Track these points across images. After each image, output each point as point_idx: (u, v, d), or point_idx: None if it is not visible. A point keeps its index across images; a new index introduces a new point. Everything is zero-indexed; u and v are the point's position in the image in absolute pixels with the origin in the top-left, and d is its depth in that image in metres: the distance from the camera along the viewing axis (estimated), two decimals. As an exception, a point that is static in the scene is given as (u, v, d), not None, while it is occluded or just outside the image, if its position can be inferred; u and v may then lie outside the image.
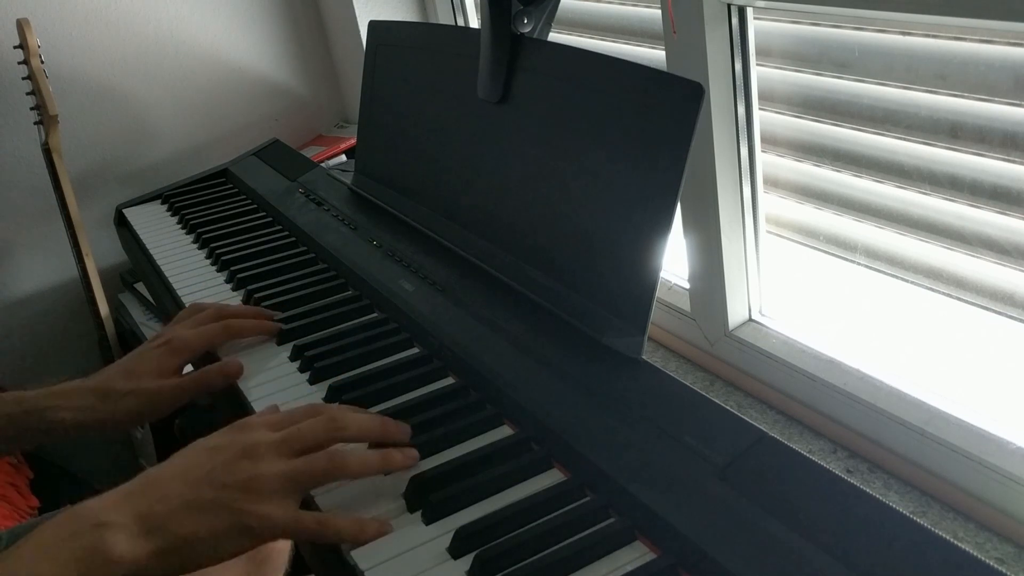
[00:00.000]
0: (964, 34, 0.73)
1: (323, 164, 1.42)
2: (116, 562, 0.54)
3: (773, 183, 0.97)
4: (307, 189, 1.19)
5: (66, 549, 0.54)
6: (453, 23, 1.63)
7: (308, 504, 0.65)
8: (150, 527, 0.56)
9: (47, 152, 1.47)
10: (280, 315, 0.88)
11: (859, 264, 0.90)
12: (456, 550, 0.57)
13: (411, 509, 0.62)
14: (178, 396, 0.79)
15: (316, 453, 0.62)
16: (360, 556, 0.58)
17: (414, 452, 0.66)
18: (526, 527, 0.58)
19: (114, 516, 0.56)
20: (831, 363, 0.93)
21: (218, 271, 1.06)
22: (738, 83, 0.93)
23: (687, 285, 1.07)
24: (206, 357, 0.86)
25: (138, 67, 1.67)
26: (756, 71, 0.93)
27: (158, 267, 1.10)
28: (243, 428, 0.63)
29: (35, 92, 1.45)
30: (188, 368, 0.84)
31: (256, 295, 0.95)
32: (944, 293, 0.83)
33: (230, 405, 0.80)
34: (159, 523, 0.56)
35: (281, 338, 0.86)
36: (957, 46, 0.74)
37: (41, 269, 1.68)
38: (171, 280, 1.05)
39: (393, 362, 0.80)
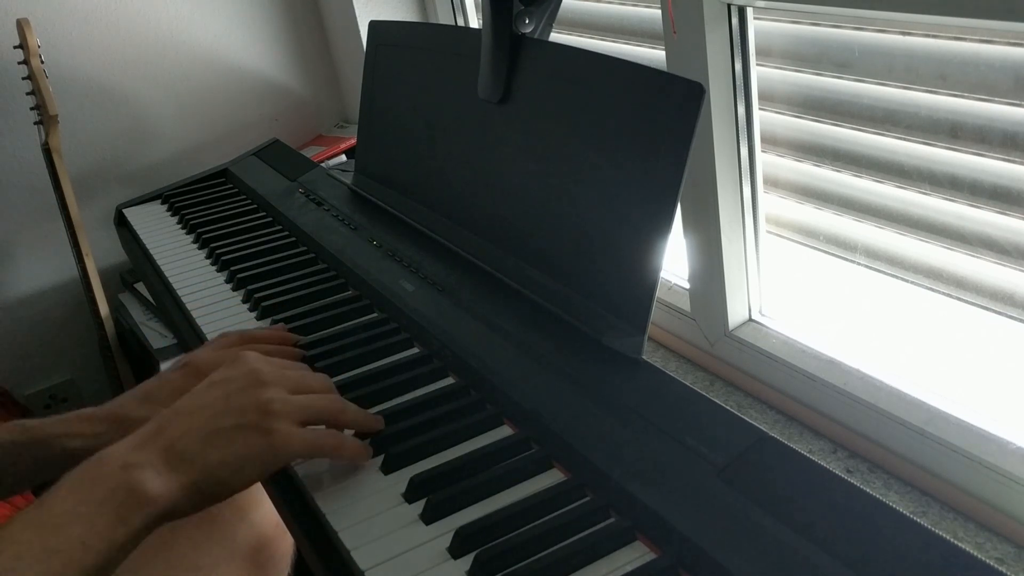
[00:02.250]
0: (964, 34, 0.73)
1: (323, 164, 1.42)
2: (151, 501, 0.55)
3: (773, 183, 0.97)
4: (307, 189, 1.19)
5: (98, 494, 0.54)
6: (453, 23, 1.63)
7: (309, 504, 0.65)
8: (177, 462, 0.57)
9: (47, 152, 1.47)
10: (304, 339, 0.85)
11: (859, 264, 0.90)
12: (456, 550, 0.57)
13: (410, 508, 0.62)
14: None
15: (321, 394, 0.66)
16: (360, 556, 0.58)
17: (381, 418, 0.70)
18: (526, 527, 0.58)
19: (140, 456, 0.57)
20: (831, 363, 0.93)
21: (218, 271, 1.06)
22: (738, 83, 0.93)
23: (687, 285, 1.07)
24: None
25: (138, 67, 1.67)
26: (756, 71, 0.93)
27: (158, 267, 1.10)
28: (243, 361, 0.65)
29: (35, 92, 1.45)
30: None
31: (256, 295, 0.95)
32: (944, 293, 0.83)
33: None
34: (186, 456, 0.57)
35: (281, 338, 0.86)
36: (957, 46, 0.74)
37: (41, 269, 1.68)
38: (171, 280, 1.05)
39: (393, 362, 0.80)
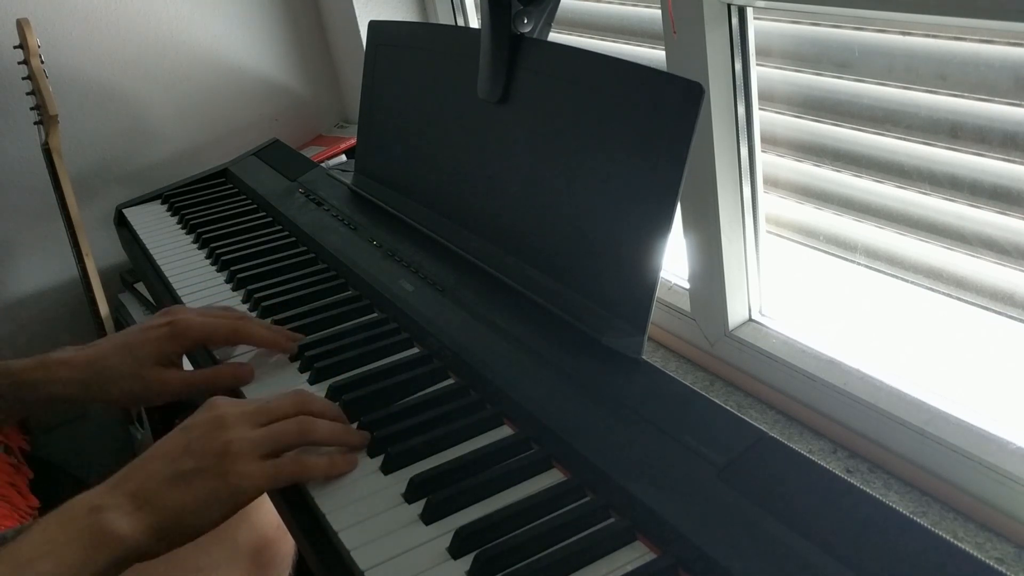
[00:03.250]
0: (964, 34, 0.73)
1: (323, 164, 1.42)
2: (118, 541, 0.57)
3: (773, 183, 0.97)
4: (307, 189, 1.19)
5: (67, 534, 0.57)
6: (453, 23, 1.63)
7: (309, 505, 0.65)
8: (141, 503, 0.59)
9: (47, 152, 1.47)
10: (305, 339, 0.84)
11: (859, 264, 0.90)
12: (456, 550, 0.57)
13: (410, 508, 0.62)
14: (183, 391, 0.79)
15: (285, 420, 0.66)
16: (360, 556, 0.58)
17: (367, 434, 0.69)
18: (526, 527, 0.58)
19: (107, 499, 0.59)
20: (831, 363, 0.93)
21: (218, 271, 1.06)
22: (738, 83, 0.93)
23: (687, 285, 1.07)
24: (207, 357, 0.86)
25: (138, 67, 1.67)
26: (756, 71, 0.93)
27: (158, 267, 1.10)
28: (211, 407, 0.66)
29: (35, 92, 1.44)
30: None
31: (256, 295, 0.95)
32: (944, 293, 0.83)
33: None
34: (149, 498, 0.59)
35: (281, 338, 0.86)
36: (957, 46, 0.74)
37: (41, 269, 1.68)
38: (171, 280, 1.05)
39: (393, 362, 0.80)
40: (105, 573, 0.57)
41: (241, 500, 0.62)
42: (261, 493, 0.63)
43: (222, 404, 0.66)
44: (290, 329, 0.86)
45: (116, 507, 0.58)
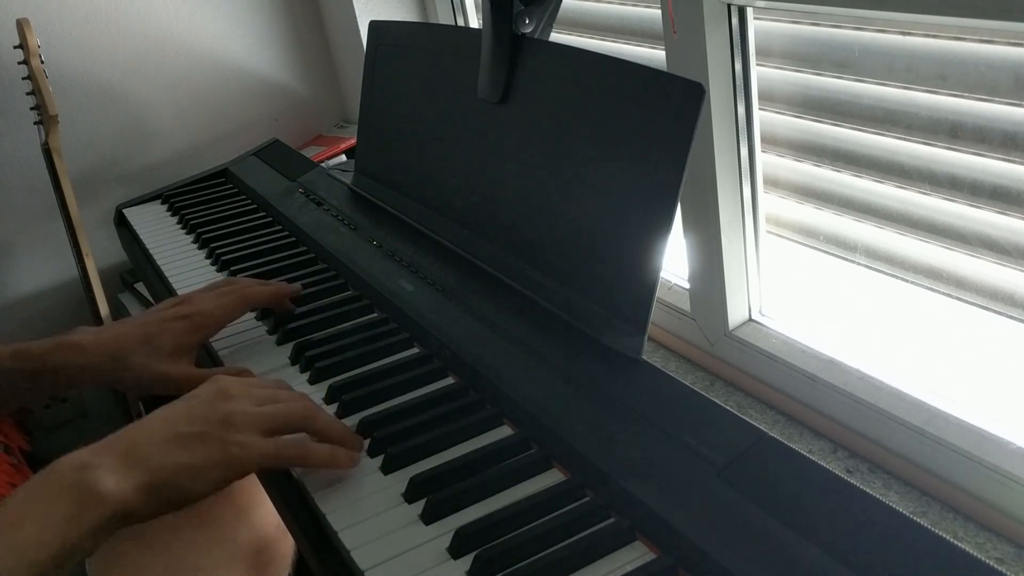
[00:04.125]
0: (964, 34, 0.73)
1: (323, 164, 1.42)
2: (103, 499, 0.55)
3: (773, 183, 0.97)
4: (307, 189, 1.19)
5: (51, 493, 0.55)
6: (453, 23, 1.63)
7: (309, 505, 0.65)
8: (132, 463, 0.58)
9: (47, 152, 1.47)
10: (301, 290, 0.90)
11: (859, 264, 0.90)
12: (456, 550, 0.57)
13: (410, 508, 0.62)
14: (189, 386, 0.78)
15: (290, 402, 0.66)
16: (360, 556, 0.58)
17: (361, 440, 0.69)
18: (526, 527, 0.58)
19: (96, 459, 0.57)
20: (831, 363, 0.93)
21: (218, 271, 1.06)
22: (738, 83, 0.93)
23: (687, 285, 1.07)
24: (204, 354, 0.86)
25: (138, 67, 1.67)
26: (756, 71, 0.93)
27: (158, 267, 1.10)
28: (215, 381, 0.66)
29: (35, 92, 1.44)
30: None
31: (256, 295, 0.95)
32: (944, 293, 0.83)
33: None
34: (142, 458, 0.58)
35: (281, 338, 0.86)
36: (957, 46, 0.74)
37: (41, 269, 1.68)
38: (171, 280, 1.05)
39: (393, 362, 0.80)
40: (92, 535, 0.55)
41: (236, 470, 0.61)
42: (257, 468, 0.62)
43: (227, 380, 0.66)
44: (289, 329, 0.86)
45: (105, 466, 0.57)
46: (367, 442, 0.69)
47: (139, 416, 1.59)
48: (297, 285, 0.91)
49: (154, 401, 1.52)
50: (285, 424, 0.65)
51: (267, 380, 0.71)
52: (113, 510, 0.56)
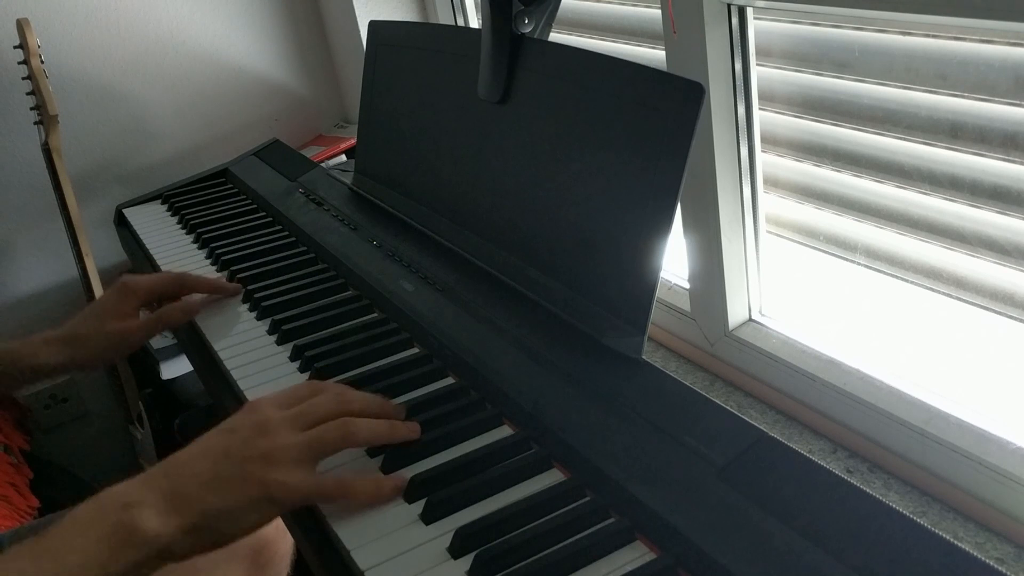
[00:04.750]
0: (964, 34, 0.73)
1: (323, 164, 1.42)
2: (148, 539, 0.56)
3: (773, 183, 0.97)
4: (307, 189, 1.19)
5: (97, 529, 0.55)
6: (453, 23, 1.63)
7: (309, 505, 0.65)
8: (177, 504, 0.58)
9: (47, 152, 1.47)
10: (238, 286, 0.97)
11: (859, 264, 0.90)
12: (456, 550, 0.57)
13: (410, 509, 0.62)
14: (143, 334, 0.90)
15: (327, 423, 0.64)
16: (360, 556, 0.58)
17: (416, 425, 0.68)
18: (526, 527, 0.58)
19: (141, 496, 0.57)
20: (831, 363, 0.93)
21: (218, 271, 1.06)
22: (738, 83, 0.93)
23: (687, 285, 1.07)
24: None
25: (138, 67, 1.67)
26: (756, 71, 0.93)
27: (158, 267, 1.10)
28: (253, 409, 0.65)
29: (35, 92, 1.44)
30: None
31: (256, 295, 0.95)
32: (944, 293, 0.83)
33: (230, 406, 0.80)
34: (185, 500, 0.58)
35: (281, 338, 0.86)
36: (957, 46, 0.74)
37: (41, 269, 1.68)
38: (171, 280, 1.05)
39: (393, 362, 0.80)
40: (133, 571, 0.55)
41: (277, 510, 0.60)
42: (299, 505, 0.62)
43: (264, 407, 0.65)
44: (289, 330, 0.86)
45: (149, 504, 0.57)
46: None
47: (139, 417, 1.59)
48: (237, 285, 0.98)
49: (154, 402, 1.52)
50: (326, 451, 0.63)
51: (296, 388, 0.68)
52: (155, 550, 0.56)
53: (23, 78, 1.46)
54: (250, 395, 0.78)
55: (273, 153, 1.38)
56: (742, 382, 1.02)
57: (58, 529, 0.56)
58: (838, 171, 0.89)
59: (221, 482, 0.59)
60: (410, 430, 0.67)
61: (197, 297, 0.94)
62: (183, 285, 0.94)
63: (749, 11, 0.90)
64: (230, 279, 1.02)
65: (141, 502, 0.57)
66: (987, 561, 0.48)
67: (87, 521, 0.56)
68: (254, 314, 0.92)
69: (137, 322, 0.90)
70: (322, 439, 0.63)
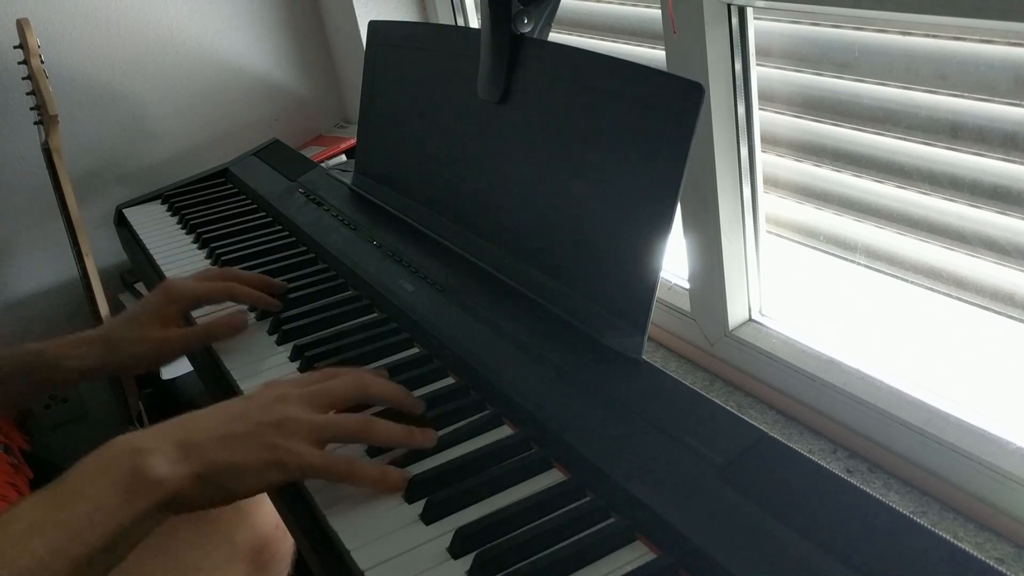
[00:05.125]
0: (964, 34, 0.73)
1: (323, 164, 1.42)
2: (157, 484, 0.56)
3: (773, 183, 0.97)
4: (307, 189, 1.19)
5: (108, 474, 0.56)
6: (453, 23, 1.63)
7: (309, 505, 0.65)
8: (188, 452, 0.58)
9: (47, 152, 1.47)
10: (286, 285, 0.93)
11: (859, 264, 0.90)
12: (456, 550, 0.57)
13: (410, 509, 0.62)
14: (185, 345, 0.85)
15: (349, 417, 0.65)
16: (360, 556, 0.58)
17: (432, 433, 0.67)
18: (526, 527, 0.58)
19: (152, 443, 0.58)
20: (831, 363, 0.93)
21: (218, 271, 1.06)
22: (738, 83, 0.93)
23: (687, 285, 1.07)
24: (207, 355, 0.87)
25: (138, 67, 1.67)
26: (756, 71, 0.93)
27: (158, 267, 1.10)
28: (273, 384, 0.66)
29: (35, 92, 1.44)
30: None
31: (256, 295, 0.95)
32: (944, 293, 0.83)
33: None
34: (196, 449, 0.58)
35: (281, 338, 0.86)
36: (957, 46, 0.74)
37: (41, 269, 1.68)
38: (171, 280, 1.05)
39: (393, 362, 0.80)
40: (143, 518, 0.55)
41: (283, 476, 0.61)
42: (305, 476, 0.63)
43: (283, 383, 0.66)
44: (289, 329, 0.86)
45: (160, 452, 0.57)
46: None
47: (139, 417, 1.59)
48: (282, 282, 0.93)
49: (154, 404, 1.52)
50: (338, 433, 0.64)
51: (314, 373, 0.69)
52: (166, 496, 0.56)
53: (23, 78, 1.45)
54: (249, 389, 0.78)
55: (273, 153, 1.38)
56: (742, 382, 1.02)
57: (69, 477, 0.56)
58: (838, 171, 0.89)
59: (233, 439, 0.60)
60: (426, 438, 0.67)
61: (236, 341, 0.88)
62: (230, 294, 0.89)
63: (749, 11, 0.90)
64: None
65: (152, 449, 0.57)
66: (987, 561, 0.48)
67: (99, 468, 0.56)
68: (254, 314, 0.92)
69: (178, 331, 0.85)
70: (339, 424, 0.64)
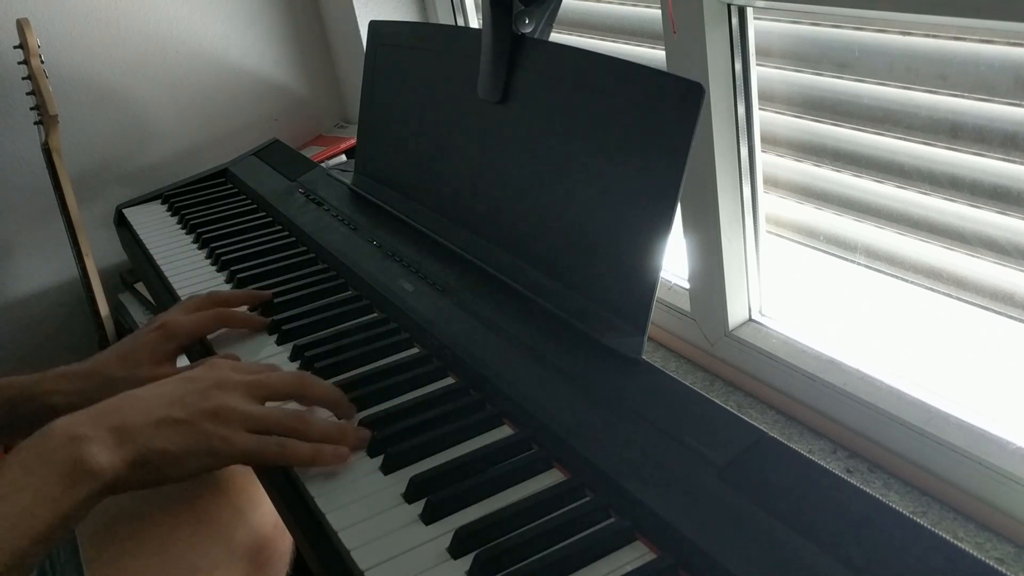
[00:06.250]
0: (964, 34, 0.73)
1: (323, 164, 1.42)
2: (96, 472, 0.57)
3: (773, 183, 0.97)
4: (307, 189, 1.19)
5: (47, 464, 0.57)
6: (453, 23, 1.63)
7: (308, 505, 0.65)
8: (124, 438, 0.60)
9: (47, 152, 1.47)
10: (270, 293, 0.92)
11: (859, 264, 0.90)
12: (456, 550, 0.57)
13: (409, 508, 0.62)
14: None
15: (286, 412, 0.66)
16: (360, 556, 0.58)
17: (366, 432, 0.69)
18: (526, 527, 0.58)
19: (90, 430, 0.59)
20: (831, 363, 0.93)
21: (218, 271, 1.06)
22: (738, 83, 0.93)
23: (687, 285, 1.07)
24: (201, 347, 0.87)
25: (138, 67, 1.67)
26: (756, 71, 0.93)
27: (158, 267, 1.10)
28: (215, 366, 0.67)
29: (35, 92, 1.45)
30: (184, 359, 0.85)
31: (256, 295, 0.95)
32: (944, 293, 0.83)
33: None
34: (132, 435, 0.60)
35: (281, 338, 0.86)
36: (957, 46, 0.74)
37: (41, 269, 1.68)
38: (171, 280, 1.05)
39: (393, 362, 0.80)
40: (83, 505, 0.57)
41: (216, 462, 0.63)
42: (237, 462, 0.65)
43: (224, 366, 0.67)
44: (289, 330, 0.86)
45: (98, 440, 0.58)
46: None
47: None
48: (268, 293, 0.93)
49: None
50: (271, 427, 0.65)
51: (258, 364, 0.71)
52: (105, 483, 0.58)
53: (23, 78, 1.46)
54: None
55: (273, 153, 1.38)
56: (742, 382, 1.02)
57: (8, 468, 0.56)
58: (838, 171, 0.89)
59: (168, 424, 0.61)
60: (359, 438, 0.68)
61: (234, 351, 0.86)
62: (221, 321, 0.87)
63: (749, 11, 0.90)
64: (230, 279, 1.02)
65: (90, 437, 0.58)
66: (987, 561, 0.48)
67: (38, 458, 0.57)
68: (254, 314, 0.92)
69: (172, 370, 0.82)
70: (273, 420, 0.65)
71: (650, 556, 0.55)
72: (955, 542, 0.49)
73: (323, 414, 0.71)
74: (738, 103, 0.94)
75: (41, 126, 1.48)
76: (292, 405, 0.71)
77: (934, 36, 0.75)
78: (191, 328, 0.85)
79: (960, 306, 0.82)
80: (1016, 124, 0.72)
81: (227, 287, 1.01)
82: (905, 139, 0.81)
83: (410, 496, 0.63)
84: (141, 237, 1.21)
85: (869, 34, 0.81)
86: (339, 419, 0.71)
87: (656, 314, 0.98)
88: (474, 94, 0.88)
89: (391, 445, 0.67)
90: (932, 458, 0.81)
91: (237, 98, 1.78)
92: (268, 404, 0.68)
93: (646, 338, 0.68)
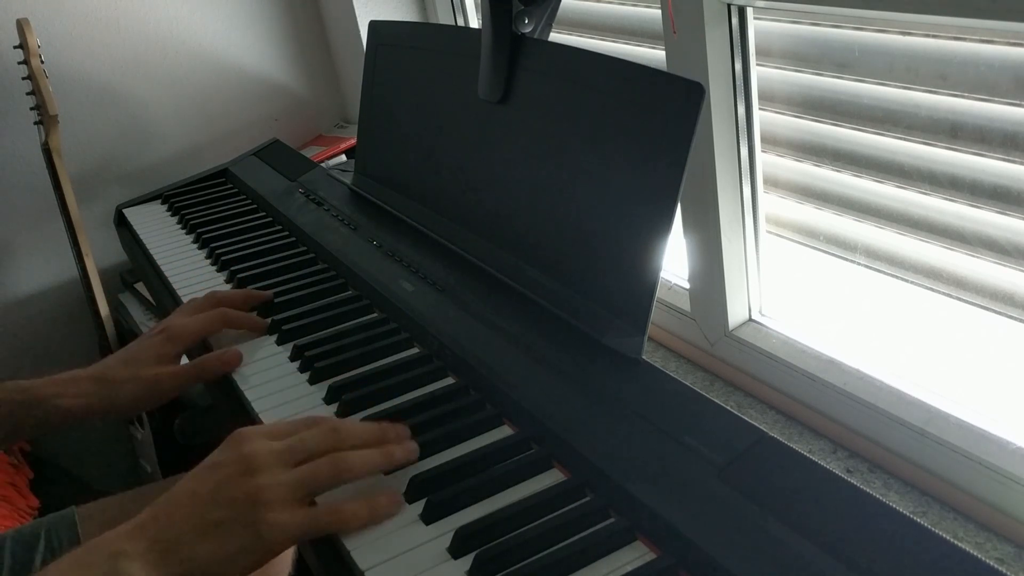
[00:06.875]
0: (964, 34, 0.73)
1: (323, 164, 1.42)
2: None
3: (773, 183, 0.97)
4: (307, 189, 1.19)
5: None
6: (453, 23, 1.63)
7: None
8: (165, 554, 0.55)
9: (47, 152, 1.47)
10: (270, 293, 0.93)
11: (859, 264, 0.90)
12: (456, 550, 0.57)
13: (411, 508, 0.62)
14: (177, 384, 0.83)
15: (318, 460, 0.61)
16: (360, 556, 0.58)
17: (414, 445, 0.66)
18: (526, 527, 0.58)
19: (128, 545, 0.55)
20: (831, 363, 0.93)
21: (218, 271, 1.06)
22: (738, 83, 0.93)
23: (687, 285, 1.07)
24: (202, 348, 0.87)
25: (138, 67, 1.67)
26: (756, 71, 0.93)
27: (158, 267, 1.10)
28: (240, 441, 0.61)
29: (35, 92, 1.44)
30: (185, 359, 0.85)
31: (256, 295, 0.95)
32: (944, 293, 0.83)
33: (230, 406, 0.80)
34: (173, 549, 0.56)
35: (281, 338, 0.86)
36: (957, 46, 0.74)
37: (41, 269, 1.68)
38: (171, 280, 1.05)
39: (393, 362, 0.80)
40: None
41: (271, 553, 0.58)
42: (293, 544, 0.59)
43: (250, 439, 0.61)
44: (289, 330, 0.86)
45: (138, 555, 0.55)
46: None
47: (139, 417, 1.59)
48: (268, 293, 0.93)
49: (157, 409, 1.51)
50: (317, 489, 0.61)
51: (285, 424, 0.65)
52: None
53: (23, 78, 1.46)
54: (249, 395, 0.78)
55: (273, 153, 1.38)
56: (742, 382, 1.02)
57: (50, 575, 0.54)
58: (838, 171, 0.89)
59: (209, 527, 0.56)
60: (407, 452, 0.65)
61: (235, 347, 0.85)
62: (224, 322, 0.87)
63: (749, 11, 0.90)
64: (230, 279, 1.02)
65: (130, 552, 0.55)
66: (987, 561, 0.48)
67: (76, 571, 0.54)
68: (254, 313, 0.92)
69: (172, 369, 0.83)
70: (315, 475, 0.60)
71: (650, 556, 0.55)
72: (955, 542, 0.49)
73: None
74: (738, 103, 0.94)
75: (41, 126, 1.48)
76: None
77: (934, 36, 0.75)
78: (194, 330, 0.86)
79: (960, 306, 0.82)
80: (1016, 124, 0.72)
81: (227, 287, 1.01)
82: (905, 139, 0.81)
83: (410, 496, 0.63)
84: (141, 237, 1.21)
85: (869, 34, 0.80)
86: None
87: (656, 314, 0.98)
88: (474, 94, 0.88)
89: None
90: (932, 458, 0.81)
91: (237, 98, 1.78)
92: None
93: (646, 338, 0.68)
